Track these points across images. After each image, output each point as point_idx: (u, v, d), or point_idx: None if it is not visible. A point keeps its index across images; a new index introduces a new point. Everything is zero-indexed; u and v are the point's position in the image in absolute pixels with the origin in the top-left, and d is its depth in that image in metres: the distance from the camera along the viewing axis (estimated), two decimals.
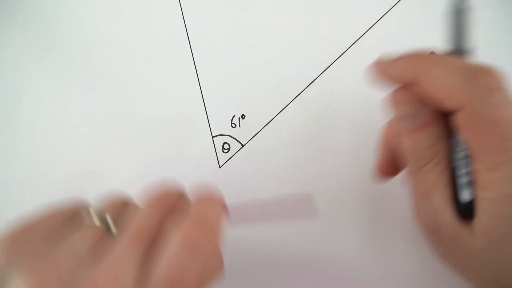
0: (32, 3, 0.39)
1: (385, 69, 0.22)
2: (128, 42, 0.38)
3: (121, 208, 0.21)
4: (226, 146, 0.34)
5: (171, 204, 0.21)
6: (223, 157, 0.34)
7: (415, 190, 0.23)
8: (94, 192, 0.29)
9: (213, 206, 0.21)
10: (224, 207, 0.23)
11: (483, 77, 0.20)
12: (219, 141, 0.35)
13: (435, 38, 0.37)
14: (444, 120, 0.22)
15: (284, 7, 0.38)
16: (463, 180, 0.20)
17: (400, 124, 0.22)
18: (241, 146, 0.34)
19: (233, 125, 0.36)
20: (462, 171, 0.20)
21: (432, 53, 0.22)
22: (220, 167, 0.34)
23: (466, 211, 0.20)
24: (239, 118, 0.36)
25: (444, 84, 0.20)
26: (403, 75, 0.21)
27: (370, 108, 0.33)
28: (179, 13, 0.39)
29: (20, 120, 0.37)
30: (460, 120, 0.20)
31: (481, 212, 0.20)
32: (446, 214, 0.21)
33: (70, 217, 0.19)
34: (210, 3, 0.39)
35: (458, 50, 0.22)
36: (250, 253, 0.33)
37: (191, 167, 0.34)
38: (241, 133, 0.34)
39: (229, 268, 0.32)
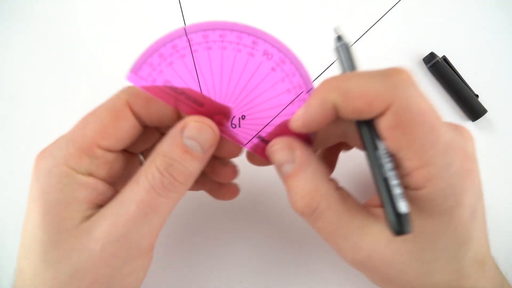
0: (32, 3, 0.39)
1: (305, 116, 0.21)
2: (129, 42, 0.38)
3: None
4: None
5: None
6: None
7: (324, 236, 0.22)
8: None
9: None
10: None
11: (397, 74, 0.19)
12: None
13: (435, 38, 0.37)
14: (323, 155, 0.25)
15: (285, 8, 0.38)
16: (397, 191, 0.19)
17: (281, 171, 0.22)
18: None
19: (233, 126, 0.36)
20: (394, 181, 0.20)
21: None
22: None
23: (401, 225, 0.19)
24: (239, 118, 0.36)
25: (365, 89, 0.19)
26: (323, 109, 0.20)
27: None
28: (178, 12, 0.39)
29: (20, 120, 0.37)
30: (386, 122, 0.19)
31: (413, 213, 0.20)
32: (372, 232, 0.21)
33: None
34: (210, 2, 0.39)
35: None
36: (250, 253, 0.33)
37: None
38: (241, 133, 0.34)
39: (229, 268, 0.32)
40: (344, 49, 0.22)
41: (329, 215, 0.21)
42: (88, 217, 0.21)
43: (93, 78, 0.37)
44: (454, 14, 0.38)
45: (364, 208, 0.22)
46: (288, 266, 0.33)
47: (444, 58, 0.37)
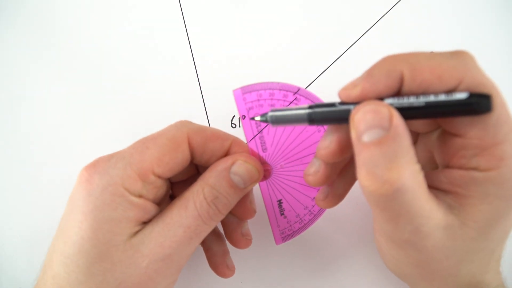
0: (32, 3, 0.39)
1: (366, 84, 0.19)
2: (128, 43, 0.38)
3: None
4: None
5: None
6: None
7: (385, 216, 0.20)
8: None
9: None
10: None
11: (463, 53, 0.20)
12: None
13: (435, 38, 0.37)
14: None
15: (285, 8, 0.38)
16: (442, 97, 0.19)
17: (364, 137, 0.18)
18: None
19: (233, 125, 0.36)
20: (434, 97, 0.19)
21: (432, 52, 0.21)
22: None
23: (478, 104, 0.18)
24: (239, 118, 0.36)
25: (435, 63, 0.19)
26: (389, 77, 0.19)
27: None
28: (179, 14, 0.39)
29: (20, 120, 0.37)
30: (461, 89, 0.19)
31: (478, 197, 0.20)
32: (435, 216, 0.20)
33: None
34: (210, 2, 0.39)
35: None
36: (250, 253, 0.33)
37: None
38: (241, 133, 0.34)
39: None
40: (277, 117, 0.22)
41: (408, 198, 0.18)
42: (135, 233, 0.23)
43: (93, 78, 0.37)
44: (455, 14, 0.38)
45: (431, 191, 0.21)
46: (288, 266, 0.33)
47: None
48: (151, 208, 0.24)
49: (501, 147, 0.19)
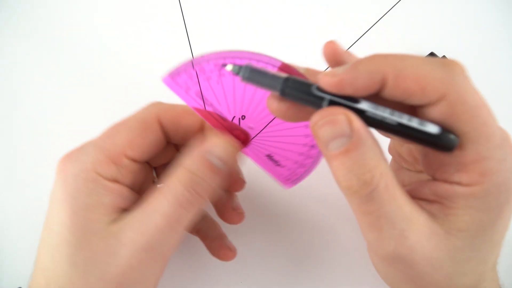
0: (32, 3, 0.39)
1: (346, 77, 0.19)
2: (128, 44, 0.38)
3: None
4: None
5: None
6: None
7: (368, 221, 0.20)
8: None
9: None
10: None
11: (453, 65, 0.19)
12: None
13: (435, 38, 0.37)
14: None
15: (285, 7, 0.38)
16: (414, 123, 0.19)
17: (331, 147, 0.19)
18: None
19: None
20: (407, 121, 0.19)
21: (423, 58, 0.20)
22: None
23: (445, 140, 0.18)
24: (239, 118, 0.36)
25: (422, 72, 0.18)
26: (371, 77, 0.19)
27: None
28: (179, 14, 0.39)
29: (20, 120, 0.37)
30: (439, 112, 0.18)
31: (462, 208, 0.19)
32: (417, 220, 0.19)
33: None
34: (210, 1, 0.39)
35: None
36: (250, 253, 0.33)
37: None
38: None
39: (229, 268, 0.32)
40: (251, 73, 0.21)
41: (385, 197, 0.19)
42: (114, 220, 0.22)
43: (93, 78, 0.37)
44: (454, 14, 0.38)
45: (410, 196, 0.20)
46: (288, 266, 0.33)
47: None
48: (128, 194, 0.23)
49: (484, 164, 0.18)
